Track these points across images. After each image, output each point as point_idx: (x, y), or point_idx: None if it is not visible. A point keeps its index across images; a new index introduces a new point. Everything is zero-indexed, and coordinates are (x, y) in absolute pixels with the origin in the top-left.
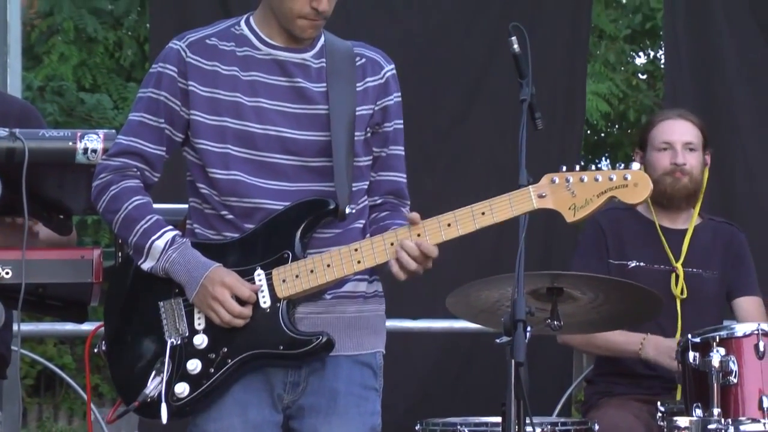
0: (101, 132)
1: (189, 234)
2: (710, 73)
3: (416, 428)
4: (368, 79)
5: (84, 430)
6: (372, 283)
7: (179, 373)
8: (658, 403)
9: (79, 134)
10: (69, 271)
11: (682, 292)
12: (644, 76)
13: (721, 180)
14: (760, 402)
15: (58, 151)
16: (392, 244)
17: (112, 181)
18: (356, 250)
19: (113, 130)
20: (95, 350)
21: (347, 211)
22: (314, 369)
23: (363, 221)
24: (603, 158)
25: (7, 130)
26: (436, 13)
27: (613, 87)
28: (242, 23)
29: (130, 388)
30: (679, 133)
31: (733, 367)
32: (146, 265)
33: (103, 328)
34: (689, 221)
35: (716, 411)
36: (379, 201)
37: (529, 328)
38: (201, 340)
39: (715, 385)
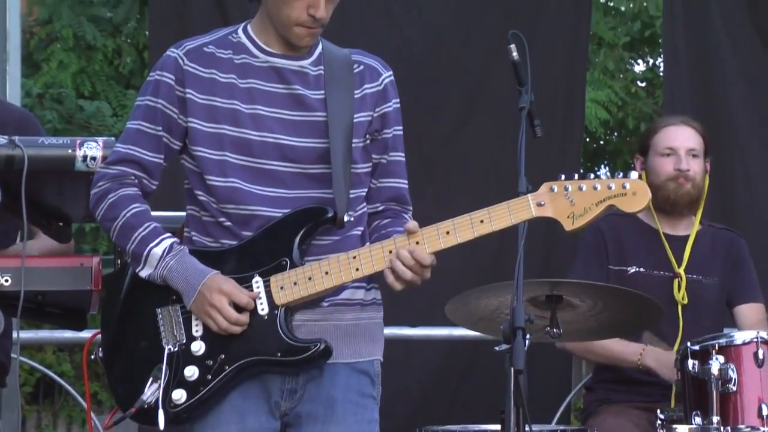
0: (100, 139)
1: (186, 242)
2: (709, 81)
3: None
4: (366, 86)
5: None
6: (370, 291)
7: (176, 380)
8: (658, 411)
9: (78, 142)
10: (68, 278)
11: (683, 298)
12: (643, 84)
13: (720, 186)
14: (760, 410)
15: (57, 158)
16: (391, 251)
17: (110, 189)
18: (354, 257)
19: (112, 138)
20: (92, 357)
21: (346, 218)
22: (312, 376)
23: (362, 228)
24: (602, 166)
25: (6, 137)
26: (436, 19)
27: (612, 95)
28: (240, 31)
29: (128, 394)
30: (682, 139)
31: (733, 374)
32: (144, 273)
33: (100, 335)
34: (690, 228)
35: (715, 419)
36: (380, 208)
37: (528, 336)
38: (198, 347)
39: (715, 392)
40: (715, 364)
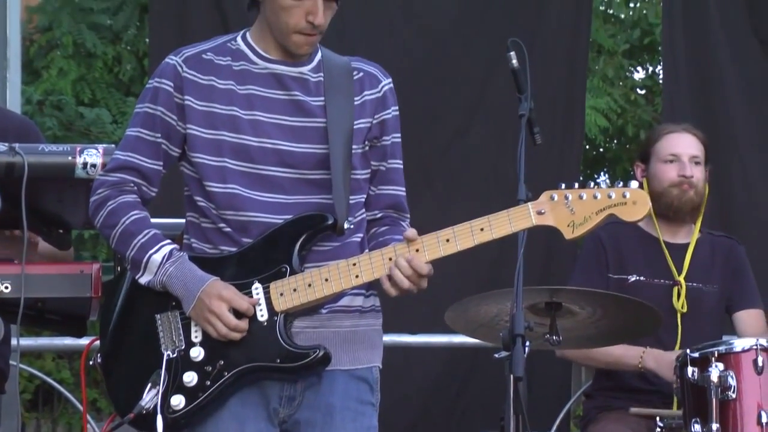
0: (100, 147)
1: (186, 248)
2: (708, 88)
3: None
4: (366, 93)
5: None
6: (369, 298)
7: (175, 386)
8: (657, 418)
9: (78, 149)
10: (68, 285)
11: (683, 306)
12: (643, 91)
13: (719, 193)
14: (759, 417)
15: (57, 165)
16: (390, 258)
17: (109, 197)
18: (354, 264)
19: (112, 145)
20: (91, 363)
21: (346, 226)
22: (310, 383)
23: (361, 235)
24: (601, 173)
25: (6, 144)
26: (436, 27)
27: (612, 102)
28: (239, 39)
29: (126, 400)
30: (685, 145)
31: (732, 382)
32: (144, 279)
33: (98, 342)
34: (690, 235)
35: (715, 426)
36: (379, 215)
37: (527, 343)
38: (198, 353)
39: (714, 400)
40: (715, 371)
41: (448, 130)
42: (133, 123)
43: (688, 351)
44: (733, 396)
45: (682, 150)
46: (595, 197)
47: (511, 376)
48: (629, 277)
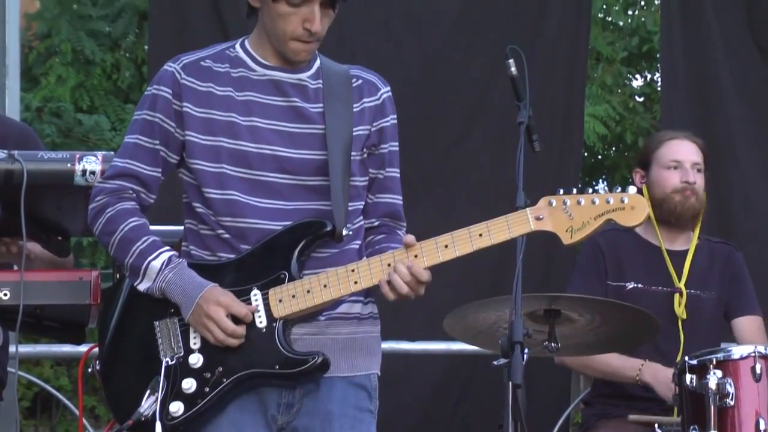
0: (100, 154)
1: (185, 255)
2: (707, 95)
3: None
4: (365, 100)
5: None
6: (367, 305)
7: (174, 392)
8: (656, 425)
9: (77, 156)
10: (67, 292)
11: (683, 313)
12: (641, 99)
13: (718, 200)
14: (757, 424)
15: (56, 172)
16: (389, 265)
17: (108, 204)
18: (353, 270)
19: (111, 152)
20: (89, 370)
21: (344, 232)
22: (308, 390)
23: (359, 241)
24: (600, 180)
25: (5, 152)
26: (435, 34)
27: (610, 109)
28: (237, 46)
29: (125, 407)
30: (687, 152)
31: (730, 389)
32: (143, 286)
33: (97, 349)
34: (689, 242)
35: None
36: (375, 223)
37: (526, 350)
38: (196, 360)
39: (712, 407)
40: (713, 378)
41: (447, 137)
42: (132, 130)
43: (686, 358)
44: (732, 403)
45: (684, 156)
46: (593, 203)
47: (510, 383)
48: (627, 284)
